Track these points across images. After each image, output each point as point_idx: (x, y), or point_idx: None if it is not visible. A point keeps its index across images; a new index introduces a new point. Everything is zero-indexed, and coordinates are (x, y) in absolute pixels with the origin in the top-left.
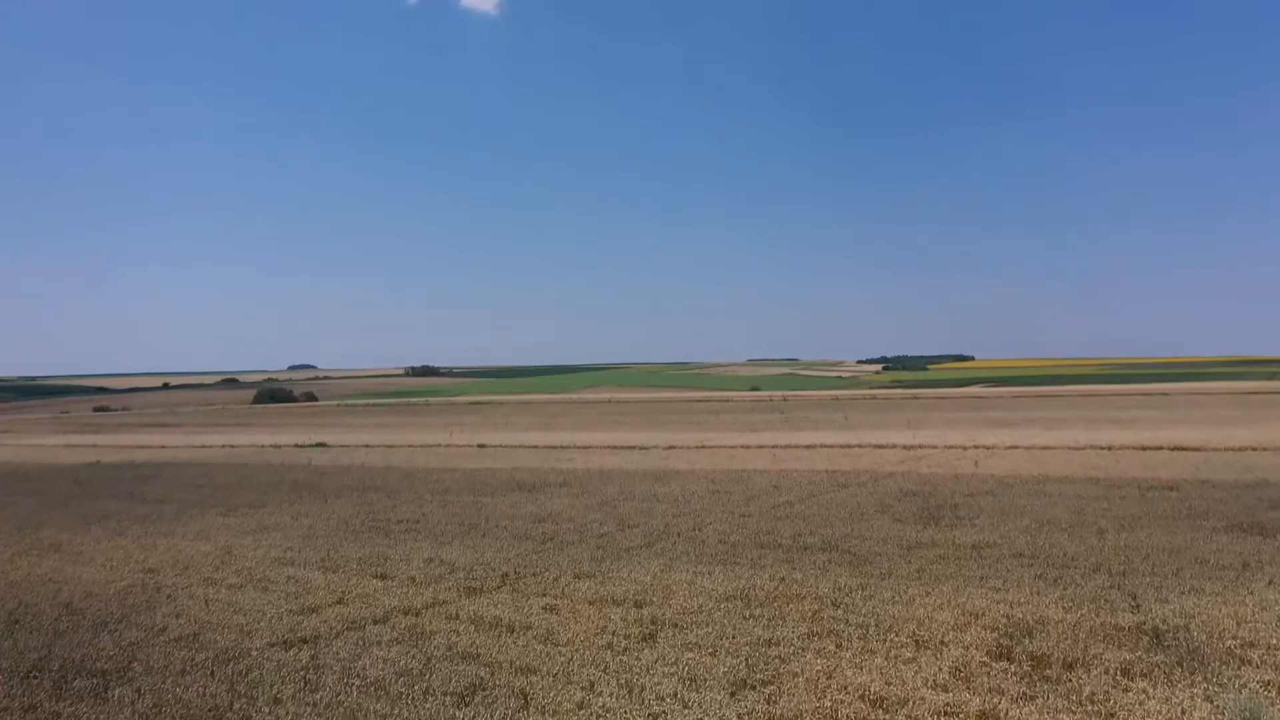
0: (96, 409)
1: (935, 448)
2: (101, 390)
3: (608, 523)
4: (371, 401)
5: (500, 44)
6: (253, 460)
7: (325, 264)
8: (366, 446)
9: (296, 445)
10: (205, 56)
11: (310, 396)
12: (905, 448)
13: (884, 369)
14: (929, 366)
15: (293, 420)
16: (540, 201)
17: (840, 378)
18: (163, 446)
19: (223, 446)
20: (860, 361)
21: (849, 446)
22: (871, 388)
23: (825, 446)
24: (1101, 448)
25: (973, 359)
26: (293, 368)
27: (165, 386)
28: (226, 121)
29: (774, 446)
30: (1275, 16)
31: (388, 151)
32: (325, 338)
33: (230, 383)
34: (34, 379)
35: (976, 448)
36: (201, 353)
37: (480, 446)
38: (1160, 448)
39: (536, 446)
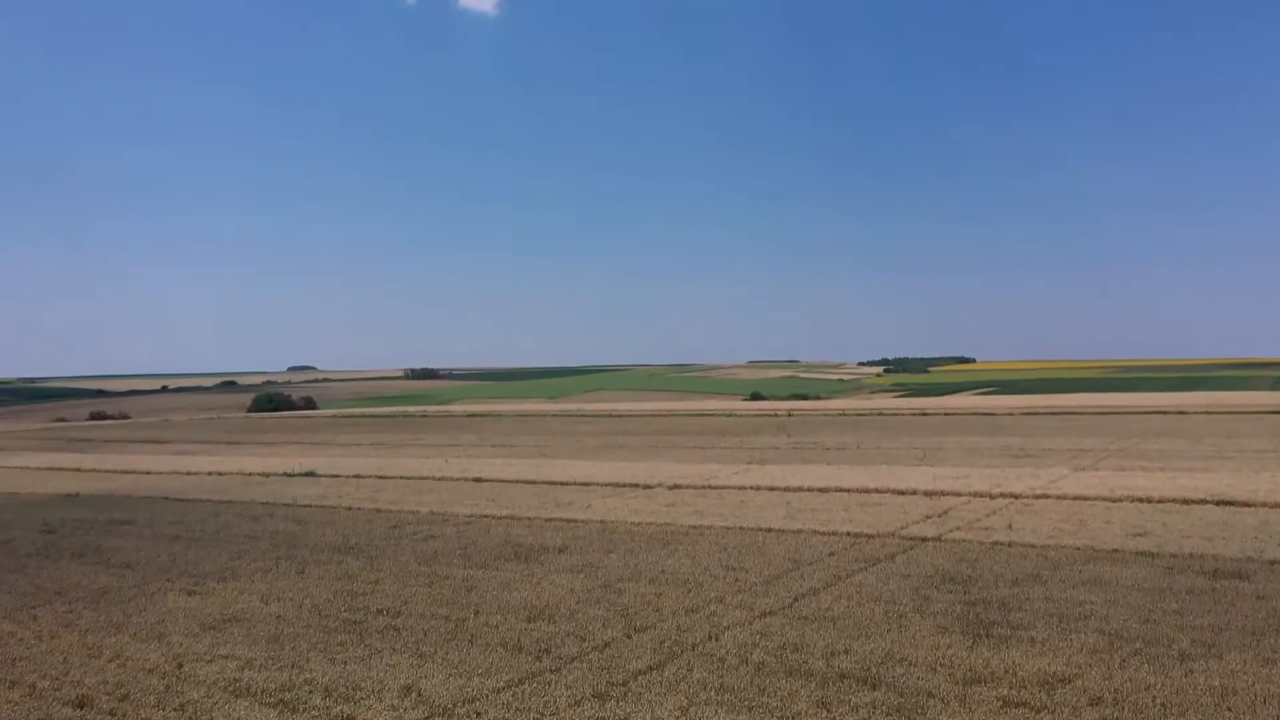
0: (93, 415)
1: (960, 495)
2: (100, 393)
3: (612, 622)
4: (369, 411)
5: (499, 44)
6: (237, 495)
7: (324, 264)
8: (357, 477)
9: (285, 474)
10: (200, 55)
11: (309, 402)
12: (927, 494)
13: (885, 371)
14: (930, 369)
15: (285, 437)
16: (540, 201)
17: (842, 380)
18: (148, 472)
19: (209, 474)
20: (861, 363)
21: (867, 491)
22: (872, 392)
23: (841, 490)
24: (1139, 499)
25: (974, 360)
26: (292, 369)
27: (164, 389)
28: (224, 121)
29: (786, 489)
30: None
31: (386, 151)
32: (325, 338)
33: (229, 385)
34: (33, 380)
35: (1003, 496)
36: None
37: (476, 481)
38: (1204, 500)
39: (534, 482)
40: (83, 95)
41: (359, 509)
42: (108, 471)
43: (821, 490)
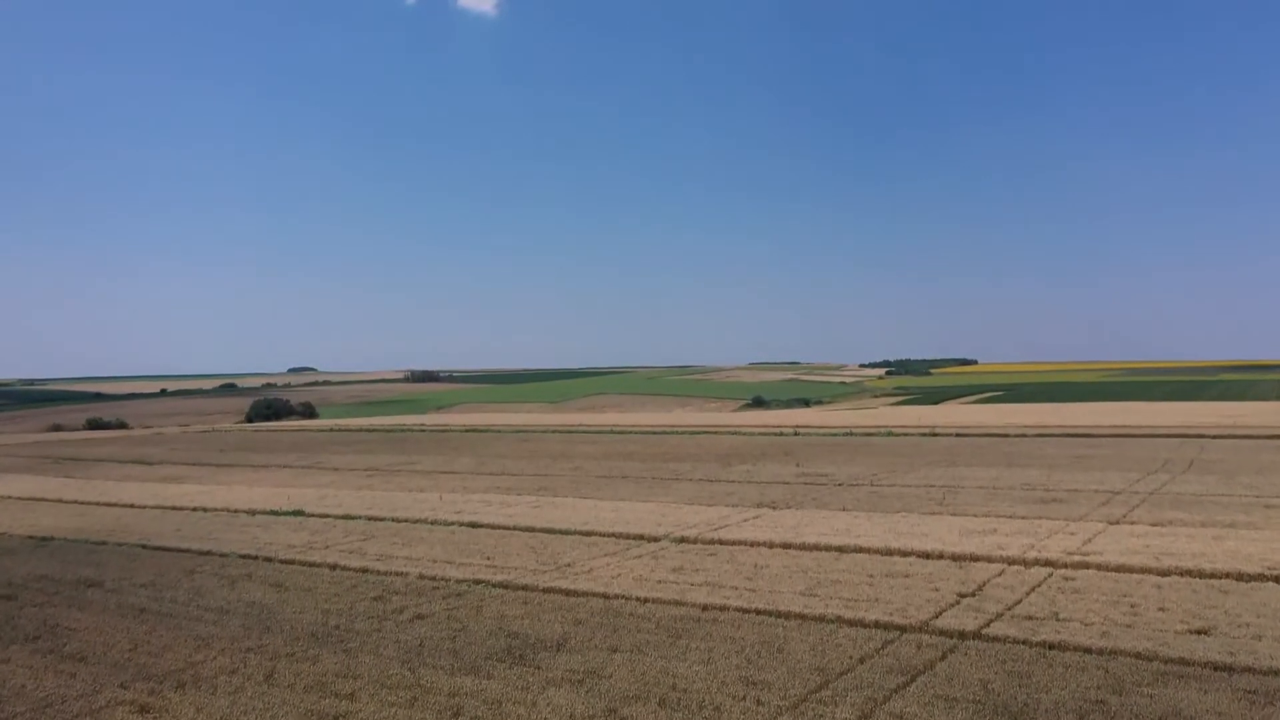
0: (89, 423)
1: (992, 561)
2: (99, 397)
3: None
4: (365, 424)
5: (498, 44)
6: (219, 541)
7: (325, 264)
8: (346, 518)
9: (272, 511)
10: (199, 55)
11: (307, 409)
12: (955, 559)
13: (887, 373)
14: (931, 371)
15: (278, 459)
16: (540, 202)
17: (844, 383)
18: (131, 505)
19: (194, 509)
20: (862, 365)
21: (889, 553)
22: (875, 395)
23: (861, 551)
24: (1189, 571)
25: (975, 362)
26: (292, 370)
27: (163, 393)
28: (223, 120)
29: (802, 547)
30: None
31: (386, 151)
32: (325, 339)
33: (228, 388)
34: (32, 383)
35: (1039, 563)
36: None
37: (472, 526)
38: (1262, 576)
39: (532, 530)
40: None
41: (344, 568)
42: (90, 504)
43: (840, 550)
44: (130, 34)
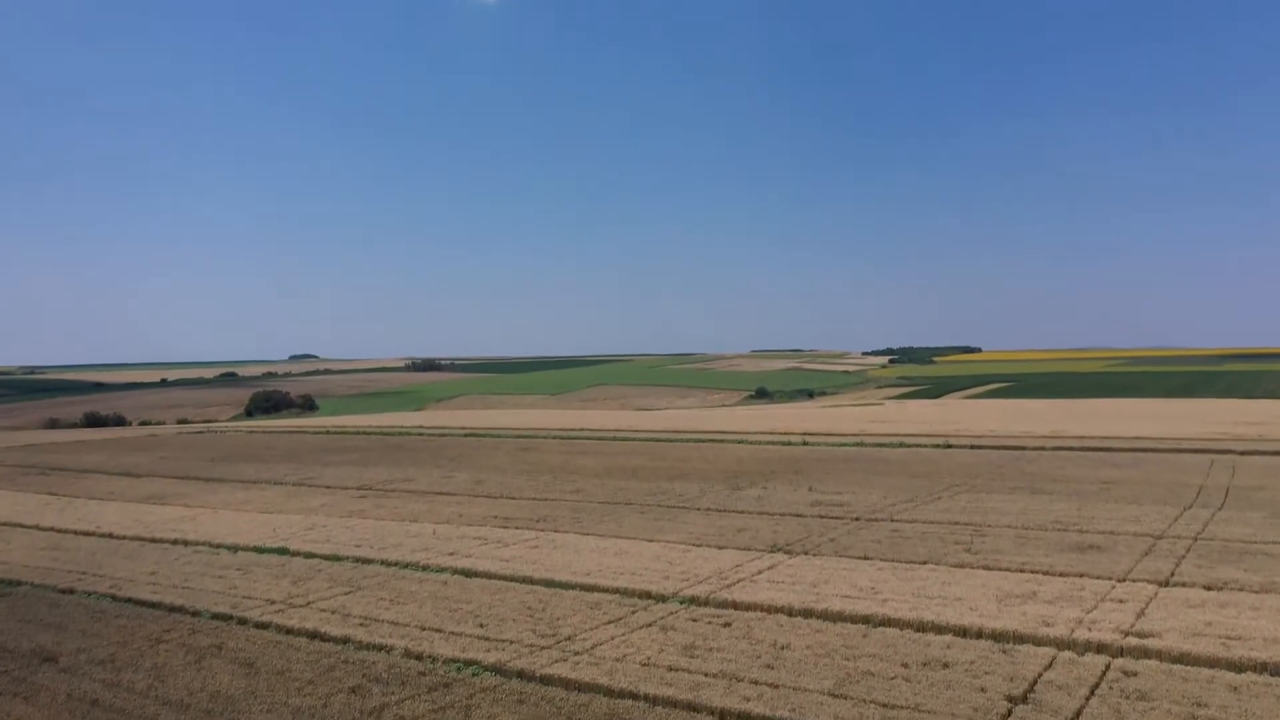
0: (86, 417)
1: (1038, 644)
2: (99, 387)
3: None
4: (364, 426)
5: (499, 34)
6: (195, 593)
7: (327, 252)
8: (333, 559)
9: (255, 548)
10: (199, 45)
11: (307, 400)
12: (995, 639)
13: (890, 362)
14: (935, 359)
15: (270, 471)
16: (542, 190)
17: (846, 373)
18: (109, 536)
19: (173, 541)
20: (865, 353)
21: (922, 629)
22: (879, 386)
23: (890, 624)
24: (1264, 665)
25: (979, 350)
26: (294, 357)
27: (163, 382)
28: (225, 109)
29: (824, 616)
30: None
31: (388, 140)
32: (327, 325)
33: (229, 378)
34: (34, 370)
35: (1093, 648)
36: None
37: (466, 575)
38: None
39: (530, 581)
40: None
41: (323, 637)
42: (68, 532)
43: (867, 621)
44: (128, 26)
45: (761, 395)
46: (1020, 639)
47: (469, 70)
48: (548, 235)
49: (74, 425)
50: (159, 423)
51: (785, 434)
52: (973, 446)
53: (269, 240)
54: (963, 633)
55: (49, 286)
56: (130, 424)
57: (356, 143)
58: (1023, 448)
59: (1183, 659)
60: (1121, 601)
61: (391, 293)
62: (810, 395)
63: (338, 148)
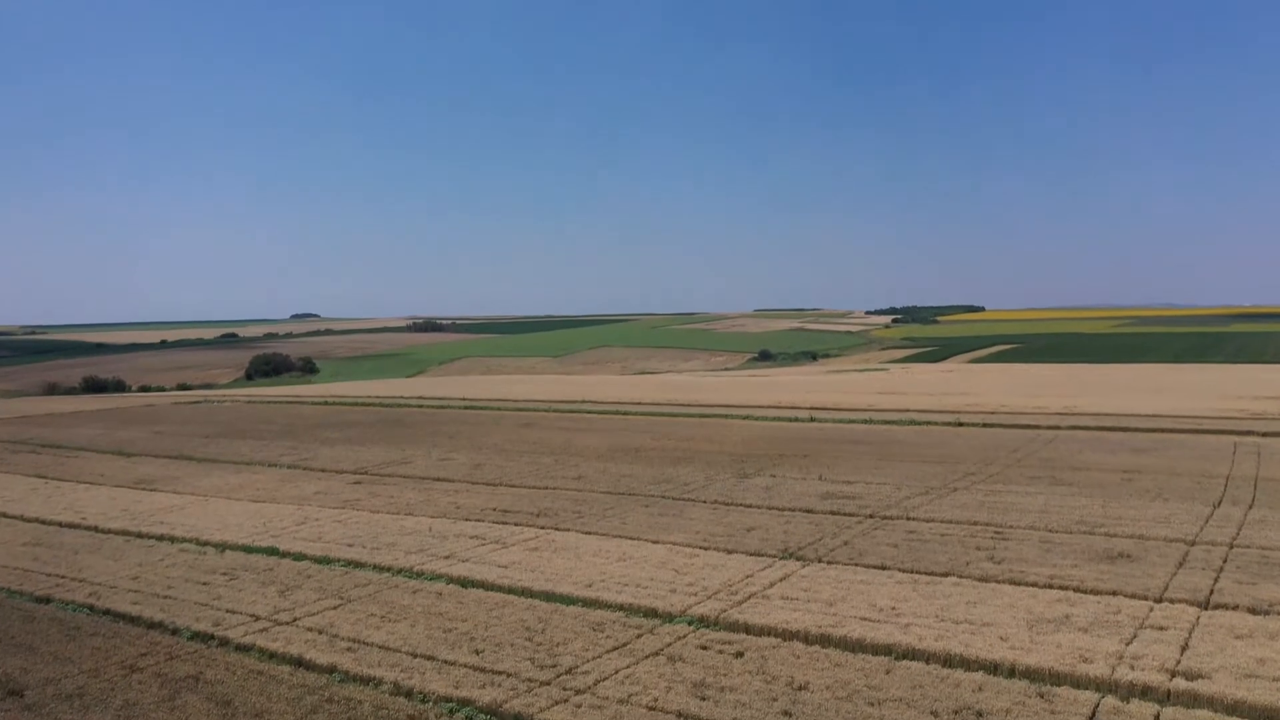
0: (85, 381)
1: (1078, 687)
2: (99, 348)
3: None
4: (363, 397)
5: None
6: (173, 605)
7: (328, 210)
8: (323, 562)
9: (244, 548)
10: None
11: (307, 363)
12: (1030, 678)
13: (894, 321)
14: (939, 319)
15: (264, 450)
16: (544, 147)
17: (850, 333)
18: (94, 529)
19: (160, 537)
20: (869, 313)
21: (949, 662)
22: (883, 348)
23: (914, 657)
24: None
25: (982, 309)
26: (295, 316)
27: (163, 344)
28: (226, 69)
29: (844, 645)
30: None
31: (389, 95)
32: (329, 284)
33: (230, 338)
34: (35, 330)
35: (1137, 693)
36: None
37: (462, 585)
38: None
39: (530, 593)
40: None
41: (308, 665)
42: (51, 524)
43: (889, 652)
44: None
45: (764, 358)
46: (1057, 678)
47: (470, 26)
48: (552, 194)
49: (73, 390)
50: (159, 388)
51: (791, 407)
52: (985, 425)
53: (272, 199)
54: (994, 669)
55: (51, 246)
56: (130, 388)
57: (359, 100)
58: (1036, 426)
59: (1238, 709)
60: (1162, 629)
61: (394, 251)
62: (814, 357)
63: (340, 105)
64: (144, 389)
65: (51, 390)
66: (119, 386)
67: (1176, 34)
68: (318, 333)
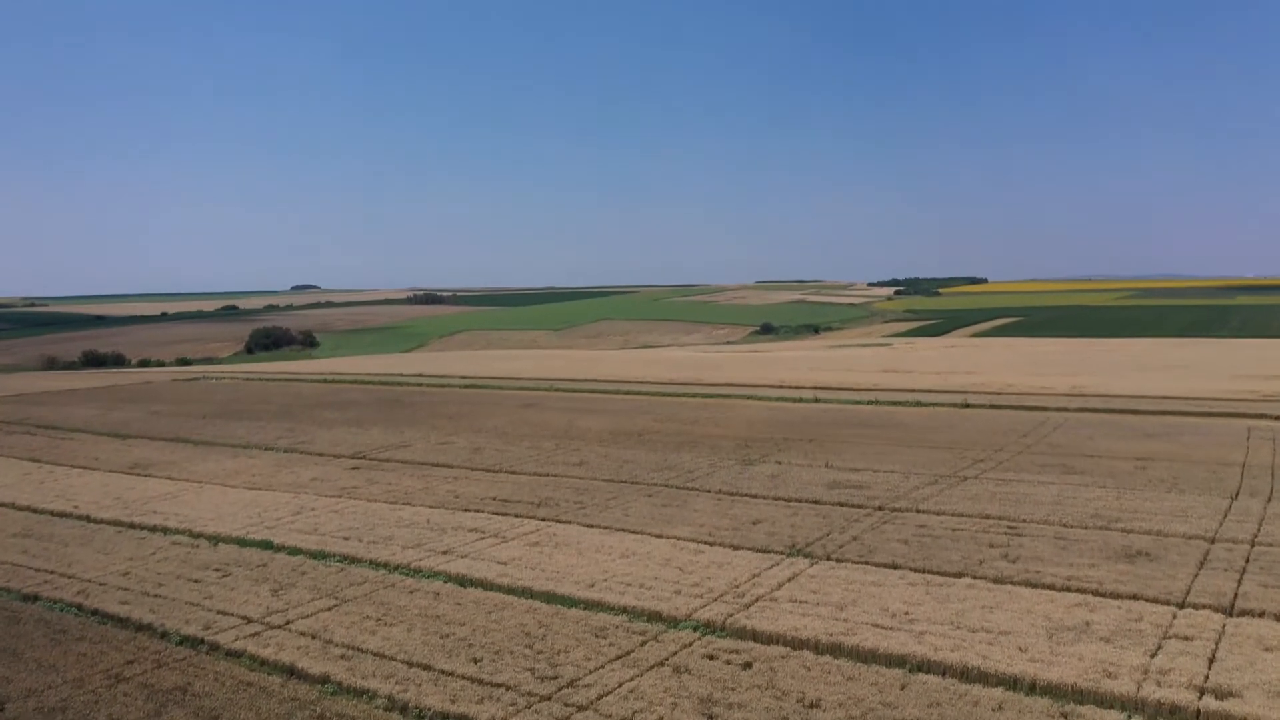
0: (85, 355)
1: (1105, 708)
2: (99, 320)
3: None
4: (362, 374)
5: None
6: (163, 605)
7: (329, 181)
8: (319, 556)
9: (238, 540)
10: None
11: (308, 337)
12: (1053, 695)
13: (896, 293)
14: (941, 290)
15: (259, 432)
16: (545, 118)
17: (852, 305)
18: (86, 518)
19: (153, 529)
20: (871, 284)
21: (967, 677)
22: (885, 320)
23: (930, 670)
24: None
25: (985, 281)
26: (295, 288)
27: (164, 316)
28: (226, 37)
29: (855, 655)
30: None
31: (389, 66)
32: (329, 255)
33: (230, 310)
34: (35, 302)
35: (1164, 713)
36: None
37: (460, 585)
38: None
39: (531, 593)
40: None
41: (300, 675)
42: (43, 513)
43: (903, 664)
44: None
45: (766, 331)
46: (1081, 696)
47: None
48: (553, 163)
49: (72, 365)
50: (158, 362)
51: (795, 387)
52: (992, 406)
53: (272, 169)
54: (1014, 684)
55: (51, 216)
56: (129, 363)
57: (360, 69)
58: (1045, 408)
59: None
60: (1187, 639)
61: (394, 222)
62: (816, 330)
63: (341, 73)
64: (143, 363)
65: (50, 365)
66: (118, 361)
67: (1187, 14)
68: (318, 305)
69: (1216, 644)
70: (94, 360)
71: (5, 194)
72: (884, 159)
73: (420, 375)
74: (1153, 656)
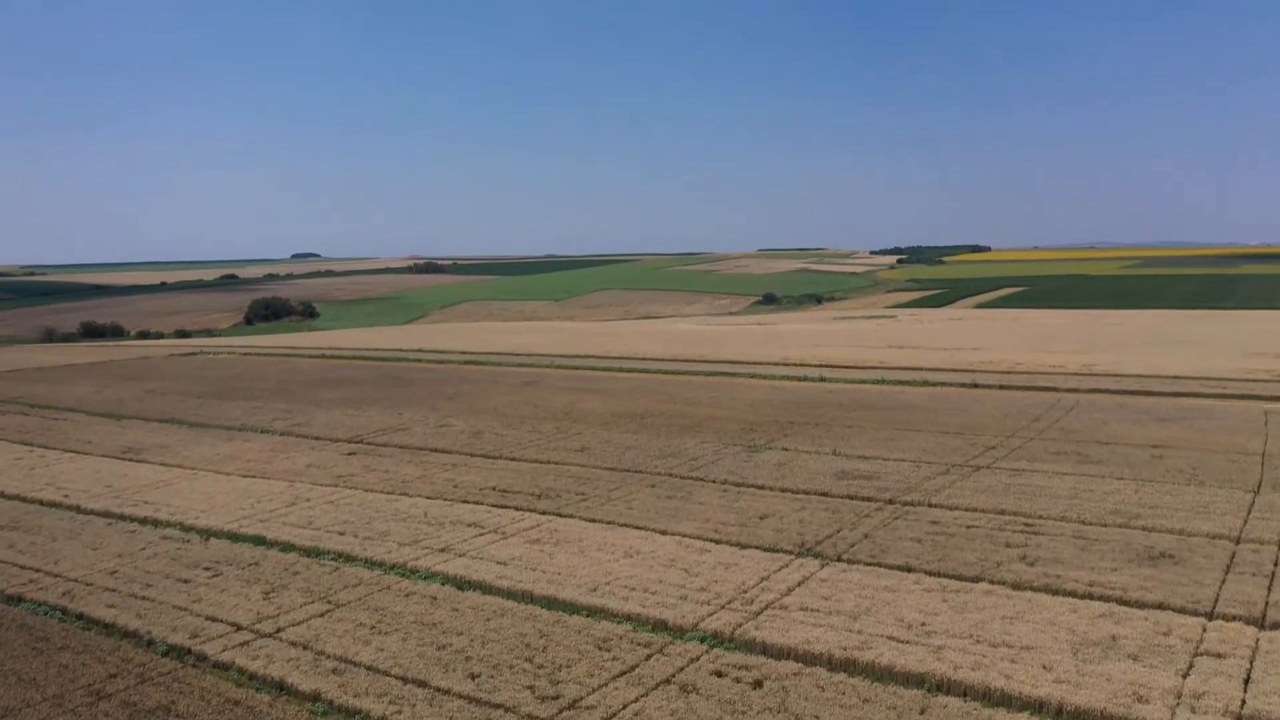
0: (83, 327)
1: None
2: (99, 290)
3: None
4: (361, 350)
5: None
6: (149, 609)
7: (329, 147)
8: (313, 553)
9: (231, 535)
10: None
11: (308, 307)
12: None
13: (898, 262)
14: (944, 259)
15: (255, 413)
16: (547, 86)
17: (855, 274)
18: (75, 508)
19: (143, 520)
20: (874, 252)
21: (991, 700)
22: (889, 290)
23: (950, 692)
24: None
25: (988, 249)
26: (296, 256)
27: (163, 285)
28: (225, 3)
29: (872, 674)
30: None
31: (390, 35)
32: (330, 223)
33: (230, 280)
34: (34, 271)
35: None
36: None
37: (459, 588)
38: None
39: (531, 598)
40: None
41: (290, 693)
42: (32, 502)
43: (921, 684)
44: None
45: (769, 301)
46: None
47: None
48: (554, 131)
49: (70, 336)
50: (157, 334)
51: (800, 364)
52: (1001, 387)
53: (273, 136)
54: (1040, 708)
55: (50, 184)
56: (128, 334)
57: (361, 36)
58: (1055, 389)
59: None
60: (1220, 657)
61: (395, 189)
62: (819, 300)
63: (341, 41)
64: (143, 334)
65: (49, 336)
66: (117, 332)
67: None
68: (318, 274)
69: (1250, 662)
70: (92, 331)
71: (6, 163)
72: (887, 125)
73: (420, 350)
74: (1185, 677)
